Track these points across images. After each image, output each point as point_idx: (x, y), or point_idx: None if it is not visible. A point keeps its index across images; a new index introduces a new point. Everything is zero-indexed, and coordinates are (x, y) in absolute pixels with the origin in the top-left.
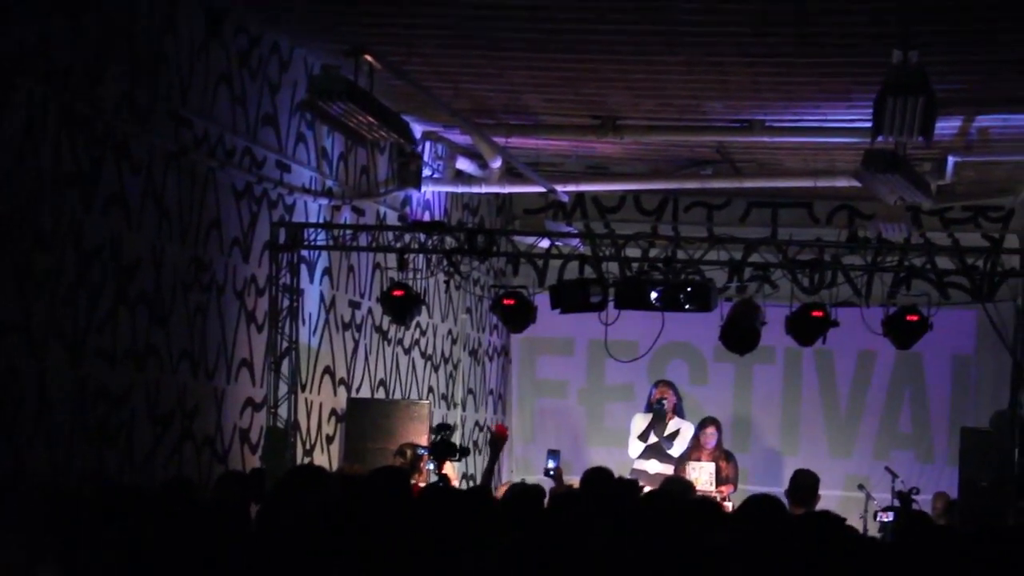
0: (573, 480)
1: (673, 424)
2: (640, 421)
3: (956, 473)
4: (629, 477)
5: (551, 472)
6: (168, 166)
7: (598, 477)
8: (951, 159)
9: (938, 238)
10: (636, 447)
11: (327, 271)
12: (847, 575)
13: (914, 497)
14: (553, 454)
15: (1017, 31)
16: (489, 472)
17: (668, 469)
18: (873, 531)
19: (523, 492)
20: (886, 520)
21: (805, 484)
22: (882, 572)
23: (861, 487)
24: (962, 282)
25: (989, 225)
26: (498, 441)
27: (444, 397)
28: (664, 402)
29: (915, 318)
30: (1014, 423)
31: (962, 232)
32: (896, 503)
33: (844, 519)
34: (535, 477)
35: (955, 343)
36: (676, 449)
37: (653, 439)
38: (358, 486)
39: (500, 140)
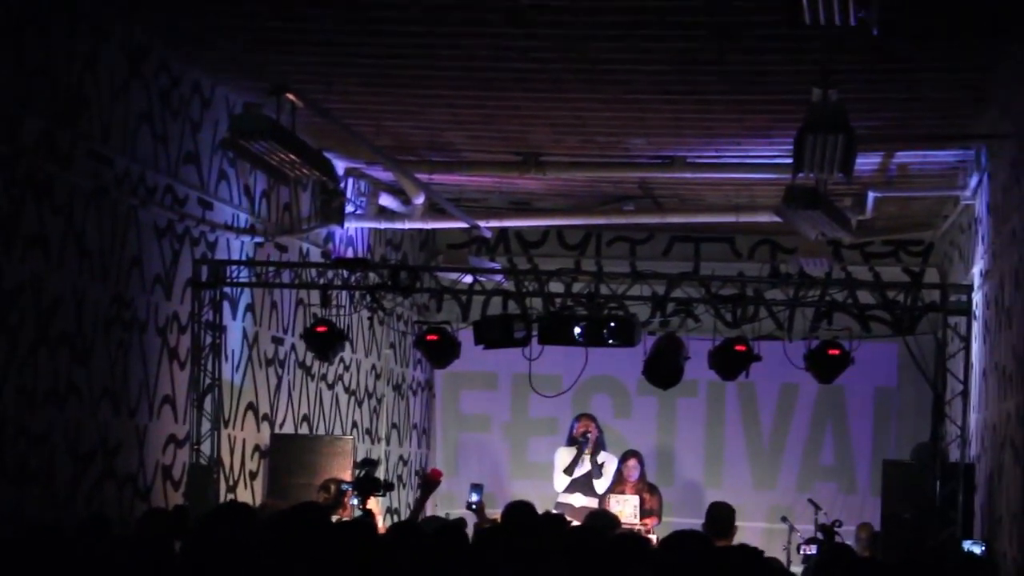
0: (495, 513)
1: (598, 458)
2: (564, 455)
3: (879, 504)
4: (554, 511)
5: (474, 506)
6: (89, 205)
7: (519, 511)
8: (871, 194)
9: (859, 272)
10: (562, 481)
11: (250, 307)
12: None
13: (837, 529)
14: (476, 488)
15: (934, 69)
16: (417, 510)
17: (593, 502)
18: (796, 563)
19: (445, 527)
20: (809, 552)
21: (721, 516)
22: None
23: (784, 519)
24: (883, 316)
25: (909, 259)
26: (430, 484)
27: (368, 432)
28: (587, 435)
29: (837, 352)
30: (935, 455)
31: (883, 266)
32: (819, 535)
33: (762, 552)
34: (458, 511)
35: (876, 376)
36: (600, 484)
37: (579, 472)
38: (277, 522)
39: (423, 177)
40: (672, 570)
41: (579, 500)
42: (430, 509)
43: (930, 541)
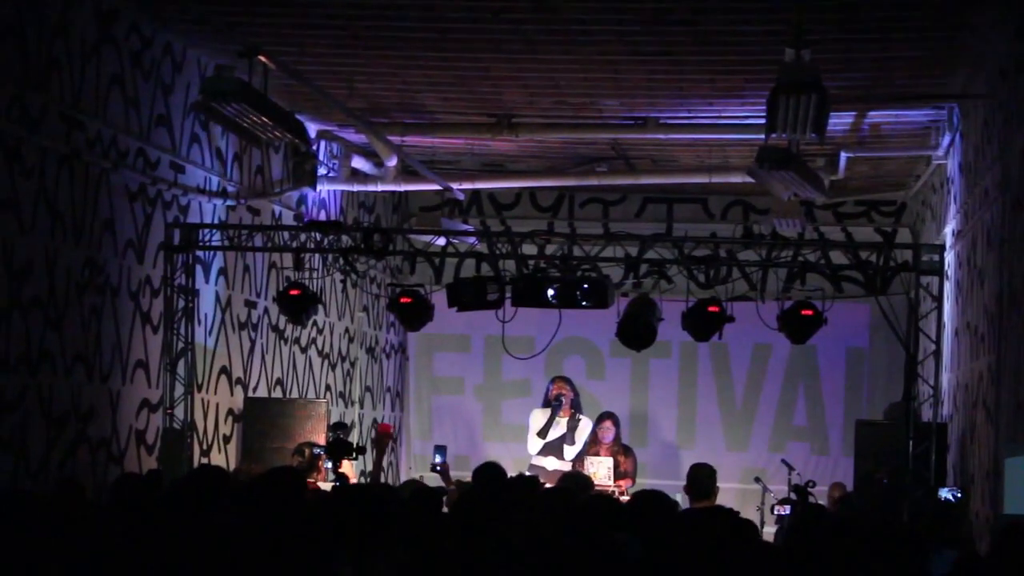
0: (462, 475)
1: (572, 421)
2: (539, 417)
3: (851, 464)
4: (528, 473)
5: (438, 467)
6: (60, 168)
7: (489, 473)
8: (843, 155)
9: (832, 232)
10: (536, 443)
11: (222, 271)
12: (740, 570)
13: (810, 490)
14: (440, 449)
15: (906, 29)
16: (376, 470)
17: (566, 466)
18: (770, 524)
19: (422, 491)
20: (782, 513)
21: (702, 477)
22: (778, 566)
23: (758, 480)
24: (856, 276)
25: (882, 219)
26: (382, 439)
27: (342, 395)
28: (562, 398)
29: (810, 312)
30: (908, 415)
31: (855, 226)
32: (793, 496)
33: (737, 512)
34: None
35: (849, 336)
36: (573, 450)
37: (553, 435)
38: (252, 487)
39: (395, 139)
40: (644, 530)
41: (552, 463)
42: (403, 472)
43: (904, 501)
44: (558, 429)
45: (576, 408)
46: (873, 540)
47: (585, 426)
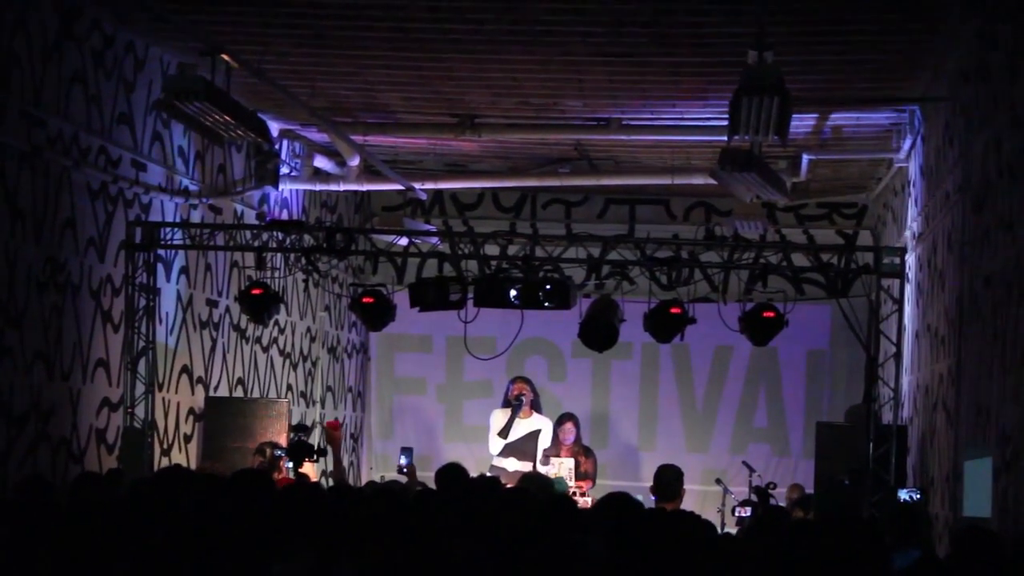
0: (427, 476)
1: (531, 422)
2: (499, 417)
3: (811, 466)
4: (489, 474)
5: (404, 469)
6: (21, 165)
7: (451, 474)
8: (805, 157)
9: (793, 235)
10: (496, 444)
11: (184, 270)
12: (703, 571)
13: (771, 492)
14: (406, 451)
15: (868, 32)
16: (338, 468)
17: (527, 467)
18: (731, 525)
19: (381, 491)
20: (743, 515)
21: (668, 479)
22: (739, 567)
23: (719, 481)
24: (817, 278)
25: (843, 222)
26: (332, 436)
27: (303, 395)
28: (522, 398)
29: (771, 315)
30: (869, 417)
31: (817, 229)
32: (753, 498)
33: (698, 516)
34: (393, 474)
35: (809, 339)
36: (539, 449)
37: (514, 436)
38: (221, 488)
39: (358, 138)
40: (604, 532)
41: (513, 464)
42: (365, 472)
43: (864, 503)
44: (519, 429)
45: (536, 408)
46: (836, 539)
47: (546, 428)
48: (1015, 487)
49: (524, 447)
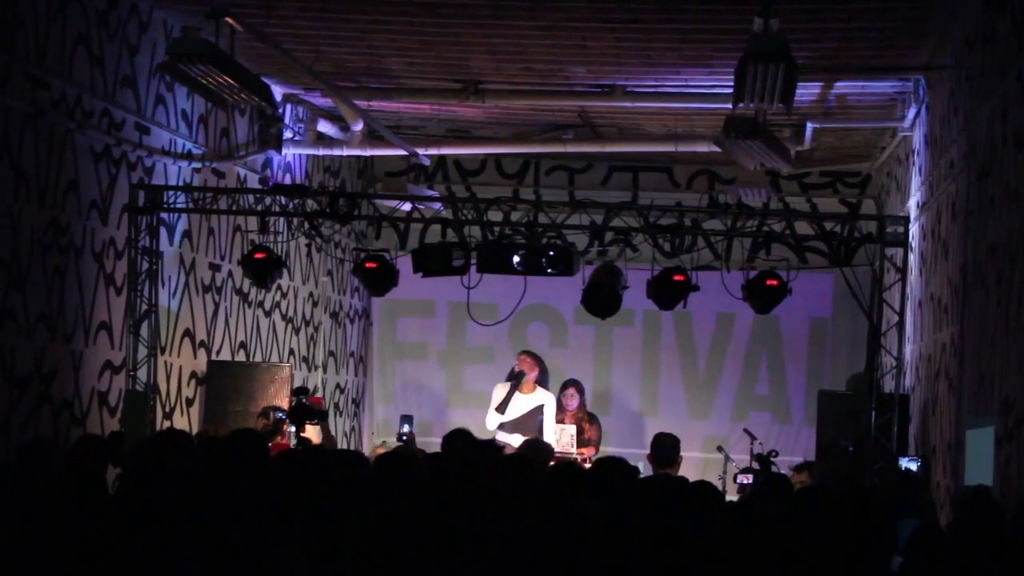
0: (426, 441)
1: (534, 397)
2: (500, 391)
3: (813, 434)
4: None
5: (404, 437)
6: (25, 127)
7: (459, 440)
8: (810, 125)
9: (797, 203)
10: (494, 418)
11: (187, 234)
12: (705, 536)
13: (772, 459)
14: (406, 419)
15: (874, 0)
16: (328, 443)
17: None
18: (732, 493)
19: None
20: (745, 482)
21: (666, 446)
22: (742, 533)
23: (720, 449)
24: (820, 247)
25: (846, 190)
26: (319, 413)
27: (305, 360)
28: (523, 374)
29: (774, 283)
30: (871, 386)
31: (820, 197)
32: (755, 465)
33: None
34: (395, 440)
35: (812, 307)
36: (547, 426)
37: (512, 412)
38: (216, 449)
39: (361, 103)
40: (604, 495)
41: (517, 440)
42: (366, 437)
43: (865, 471)
44: (520, 405)
45: (542, 384)
46: (840, 506)
47: (549, 407)
48: (1017, 456)
49: (527, 423)
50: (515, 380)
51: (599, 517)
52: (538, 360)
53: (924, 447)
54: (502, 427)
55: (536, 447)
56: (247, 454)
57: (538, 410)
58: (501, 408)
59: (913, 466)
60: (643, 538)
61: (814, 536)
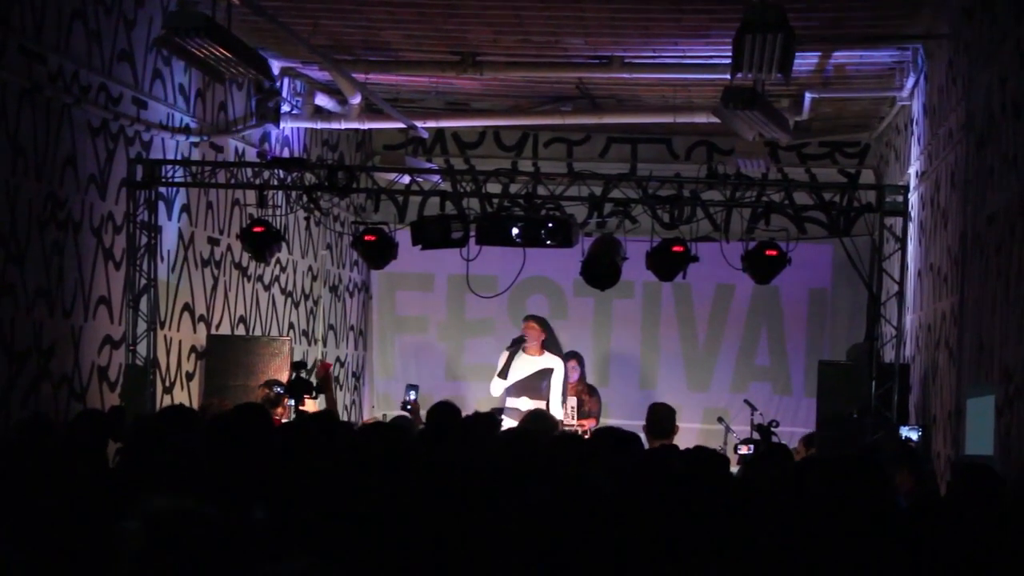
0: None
1: (541, 360)
2: (503, 358)
3: (813, 405)
4: (504, 416)
5: (408, 405)
6: (22, 102)
7: (443, 412)
8: (808, 95)
9: (796, 174)
10: (497, 385)
11: (185, 208)
12: (711, 506)
13: (773, 429)
14: (412, 387)
15: None
16: (331, 408)
17: (540, 405)
18: (732, 464)
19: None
20: (746, 453)
21: (662, 417)
22: (747, 502)
23: (720, 420)
24: (819, 217)
25: (845, 161)
26: (322, 379)
27: (304, 333)
28: (525, 338)
29: (774, 253)
30: (871, 356)
31: (819, 168)
32: (755, 436)
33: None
34: (396, 412)
35: (811, 277)
36: (554, 391)
37: (515, 375)
38: (221, 422)
39: (359, 76)
40: (610, 467)
41: (525, 403)
42: (367, 410)
43: (866, 441)
44: (525, 368)
45: (549, 348)
46: (841, 472)
47: (558, 371)
48: (1017, 425)
49: (535, 385)
50: (514, 345)
51: (607, 490)
52: (545, 325)
53: (924, 416)
54: (509, 391)
55: (539, 418)
56: (251, 427)
57: (545, 373)
58: (503, 373)
59: (914, 435)
60: (649, 511)
61: (815, 505)
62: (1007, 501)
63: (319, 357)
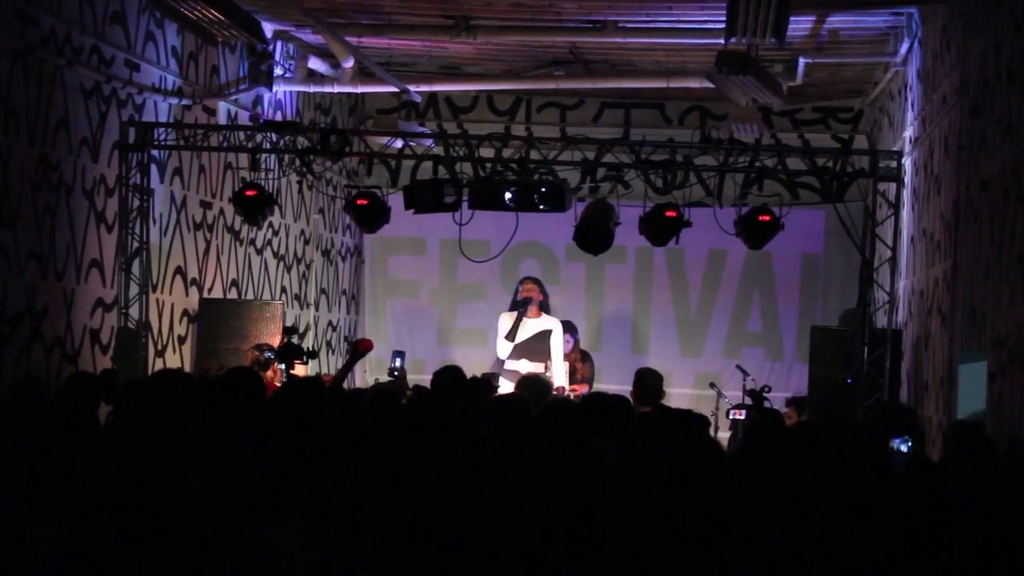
0: (421, 379)
1: (540, 322)
2: (507, 320)
3: (805, 370)
4: (504, 378)
5: (395, 372)
6: (14, 64)
7: (449, 376)
8: (802, 60)
9: (789, 139)
10: (504, 347)
11: (177, 171)
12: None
13: (765, 395)
14: (398, 354)
15: None
16: (342, 376)
17: (539, 367)
18: (724, 429)
19: (379, 391)
20: (738, 418)
21: (649, 382)
22: (734, 468)
23: (712, 385)
24: (812, 183)
25: (839, 126)
26: (357, 354)
27: (297, 297)
28: (530, 299)
29: (767, 218)
30: (863, 322)
31: (812, 133)
32: (748, 401)
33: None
34: (386, 378)
35: (804, 243)
36: (555, 352)
37: (522, 337)
38: (215, 385)
39: (352, 40)
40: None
41: (525, 366)
42: (359, 375)
43: (857, 406)
44: (527, 330)
45: (545, 310)
46: (832, 437)
47: (557, 332)
48: (1009, 391)
49: (534, 347)
50: (522, 306)
51: (610, 454)
52: (542, 287)
53: (917, 382)
54: (510, 355)
55: (534, 384)
56: (243, 392)
57: (544, 335)
58: (511, 335)
59: (904, 447)
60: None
61: (809, 471)
62: (1000, 466)
63: (311, 320)
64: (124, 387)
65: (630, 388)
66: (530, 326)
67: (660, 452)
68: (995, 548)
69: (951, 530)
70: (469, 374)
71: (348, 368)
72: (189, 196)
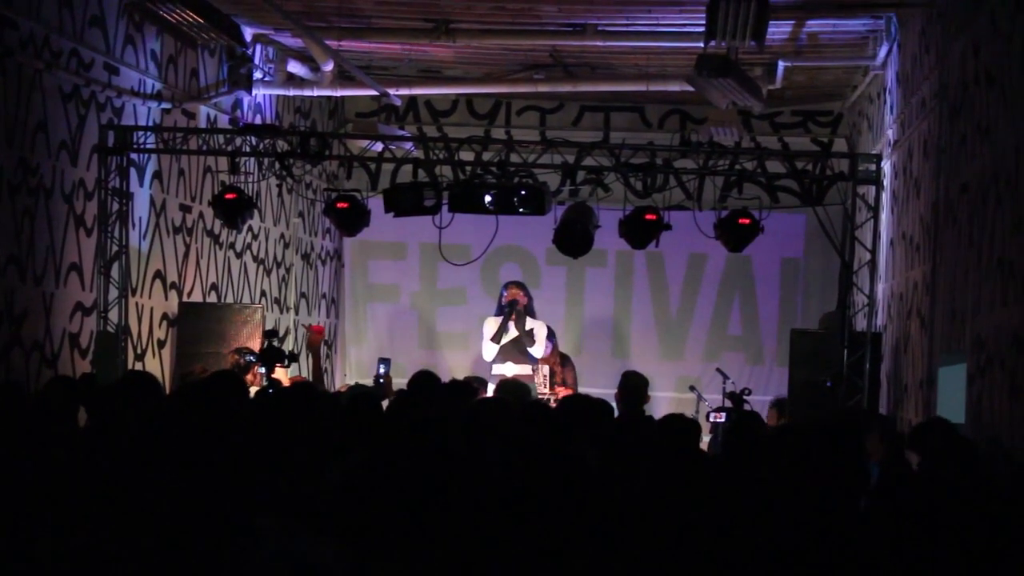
0: (401, 384)
1: (526, 325)
2: (492, 324)
3: (785, 373)
4: (491, 383)
5: (381, 379)
6: None
7: (423, 380)
8: (781, 64)
9: (768, 143)
10: (490, 349)
11: (157, 175)
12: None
13: (745, 398)
14: (384, 361)
15: None
16: (317, 374)
17: (526, 370)
18: (704, 432)
19: (358, 394)
20: (718, 421)
21: (634, 385)
22: (716, 473)
23: (692, 388)
24: (792, 186)
25: (818, 130)
26: (314, 342)
27: (277, 301)
28: (515, 303)
29: (747, 221)
30: (843, 325)
31: (792, 137)
32: (728, 404)
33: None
34: (369, 380)
35: (784, 246)
36: (537, 350)
37: (506, 340)
38: (196, 390)
39: (332, 43)
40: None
41: (511, 369)
42: (339, 379)
43: (838, 409)
44: (511, 334)
45: (530, 313)
46: (813, 440)
47: (540, 330)
48: (988, 393)
49: (520, 349)
50: (508, 310)
51: (593, 458)
52: (526, 290)
53: (896, 385)
54: (495, 358)
55: (513, 387)
56: (226, 395)
57: (528, 335)
58: (496, 338)
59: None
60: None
61: (788, 475)
62: (979, 469)
63: (291, 324)
64: (99, 391)
65: (611, 391)
66: (513, 330)
67: (642, 457)
68: (976, 550)
69: (933, 535)
70: (450, 378)
71: (317, 364)
72: (168, 200)
